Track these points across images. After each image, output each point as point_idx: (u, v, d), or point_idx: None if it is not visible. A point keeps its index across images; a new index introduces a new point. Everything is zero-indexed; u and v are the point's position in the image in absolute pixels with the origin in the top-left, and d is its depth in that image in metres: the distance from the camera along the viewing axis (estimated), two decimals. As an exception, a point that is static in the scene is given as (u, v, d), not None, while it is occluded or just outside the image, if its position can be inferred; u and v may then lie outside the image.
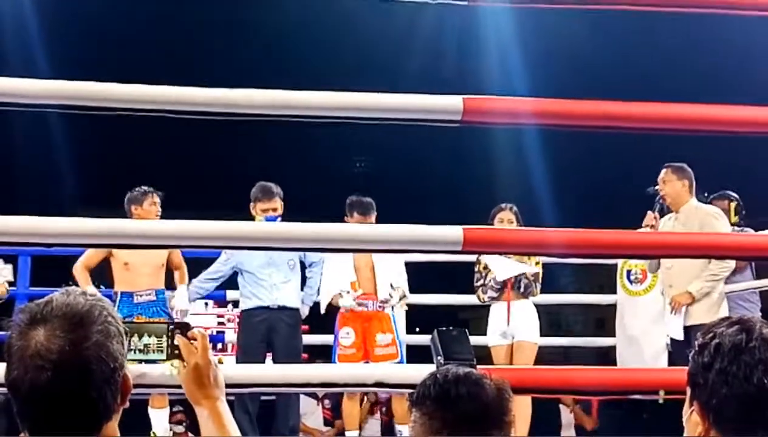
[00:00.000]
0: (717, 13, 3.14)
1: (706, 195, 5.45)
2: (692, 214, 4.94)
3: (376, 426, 7.07)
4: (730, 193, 5.71)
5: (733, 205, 5.61)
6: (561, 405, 7.16)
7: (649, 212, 5.11)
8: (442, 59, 11.62)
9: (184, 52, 11.44)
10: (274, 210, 5.17)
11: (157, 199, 5.21)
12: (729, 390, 1.40)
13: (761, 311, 5.56)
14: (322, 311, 5.41)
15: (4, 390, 1.39)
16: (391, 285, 5.26)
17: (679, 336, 4.81)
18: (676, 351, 4.94)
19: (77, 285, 4.01)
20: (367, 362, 5.14)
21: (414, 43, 11.29)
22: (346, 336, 5.19)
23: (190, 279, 5.43)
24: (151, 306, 5.16)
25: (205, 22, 11.70)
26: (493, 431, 1.65)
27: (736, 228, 5.55)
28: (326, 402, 7.62)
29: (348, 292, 5.16)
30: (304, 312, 5.40)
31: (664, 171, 5.06)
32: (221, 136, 11.21)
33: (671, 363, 4.94)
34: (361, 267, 5.29)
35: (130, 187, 5.29)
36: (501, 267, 5.15)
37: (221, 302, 6.50)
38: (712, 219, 4.86)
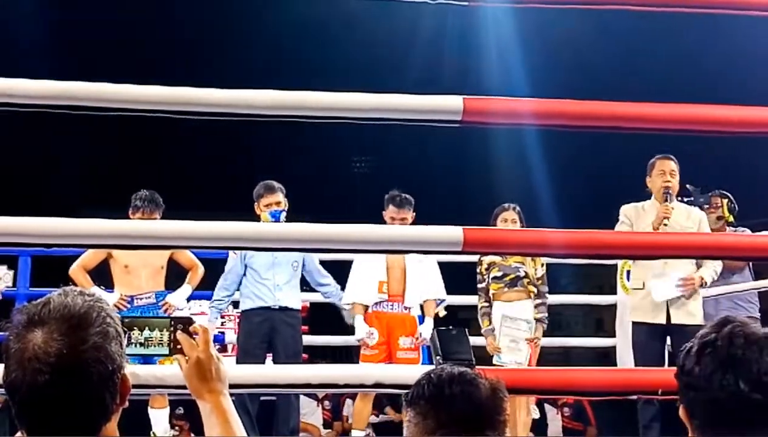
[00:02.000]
0: (721, 13, 3.13)
1: (695, 188, 5.36)
2: (686, 211, 4.91)
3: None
4: (723, 191, 5.69)
5: (725, 201, 5.60)
6: (547, 406, 7.14)
7: (666, 204, 4.75)
8: (443, 59, 11.63)
9: (186, 53, 11.45)
10: (278, 204, 5.15)
11: (152, 217, 4.98)
12: (695, 394, 1.40)
13: (760, 312, 5.55)
14: (343, 304, 5.37)
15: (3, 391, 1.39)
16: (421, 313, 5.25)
17: (669, 296, 4.70)
18: (640, 343, 4.81)
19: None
20: (389, 363, 5.12)
21: (414, 43, 11.30)
22: (370, 336, 5.17)
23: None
24: (151, 309, 5.15)
25: (205, 22, 11.72)
26: (487, 431, 1.64)
27: (731, 228, 5.54)
28: (326, 403, 7.62)
29: (371, 334, 5.15)
30: (344, 307, 5.35)
31: (672, 164, 4.86)
32: (221, 137, 11.22)
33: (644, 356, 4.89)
34: (393, 267, 5.27)
35: (130, 187, 5.27)
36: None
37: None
38: (706, 224, 4.90)
